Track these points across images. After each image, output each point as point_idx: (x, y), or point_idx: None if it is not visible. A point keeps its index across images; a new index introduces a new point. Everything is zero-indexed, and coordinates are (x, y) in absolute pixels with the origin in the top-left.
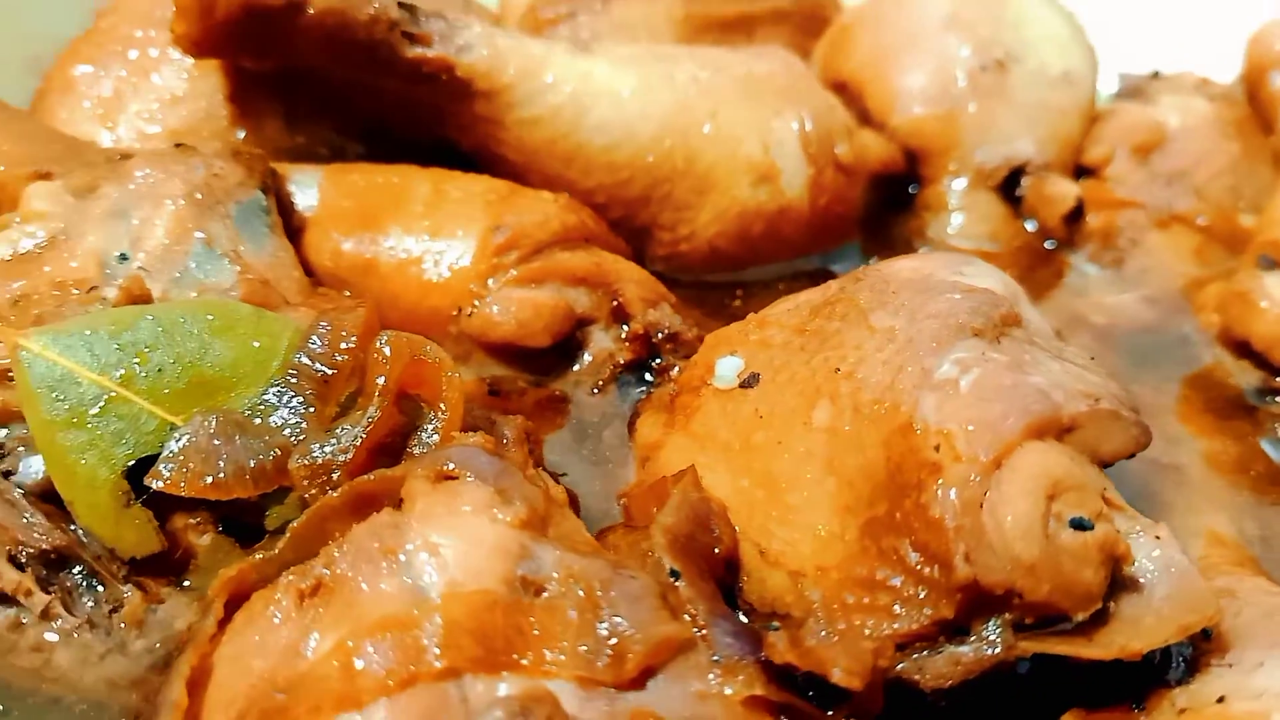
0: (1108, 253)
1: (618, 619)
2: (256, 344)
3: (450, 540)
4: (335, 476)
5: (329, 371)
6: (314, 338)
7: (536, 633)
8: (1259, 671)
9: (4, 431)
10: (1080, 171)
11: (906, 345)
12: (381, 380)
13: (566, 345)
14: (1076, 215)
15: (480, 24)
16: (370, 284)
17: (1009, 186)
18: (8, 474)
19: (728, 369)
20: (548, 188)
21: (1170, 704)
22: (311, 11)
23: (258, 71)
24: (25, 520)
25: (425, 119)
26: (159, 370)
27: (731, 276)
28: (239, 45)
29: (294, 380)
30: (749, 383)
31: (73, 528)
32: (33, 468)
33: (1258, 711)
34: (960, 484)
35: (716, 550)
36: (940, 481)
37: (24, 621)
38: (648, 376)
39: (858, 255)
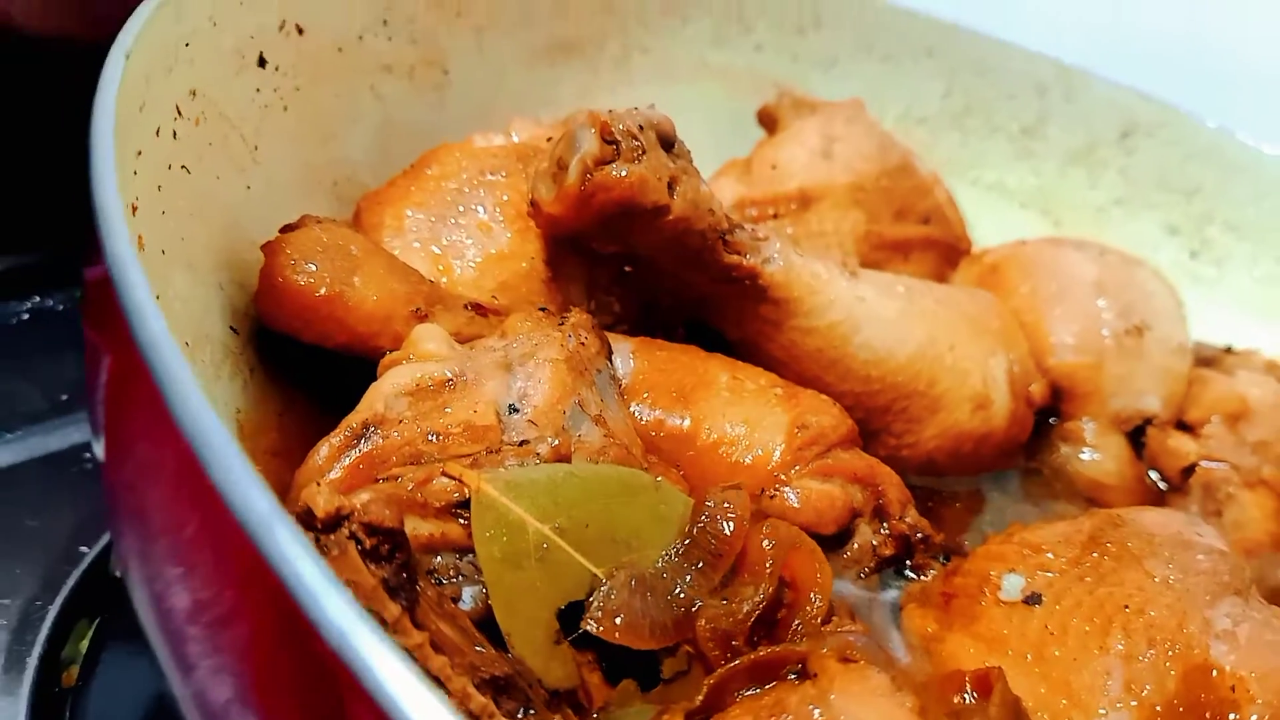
0: (1209, 503)
1: None
2: (658, 511)
3: (870, 716)
4: (735, 644)
5: (724, 547)
6: (707, 514)
7: None
8: None
9: (439, 559)
10: (1179, 426)
11: (1185, 595)
12: (770, 564)
13: (836, 535)
14: (1190, 469)
15: (778, 241)
16: (683, 456)
17: (1133, 433)
18: (455, 600)
19: (1012, 585)
20: (801, 383)
21: None
22: (670, 216)
23: (591, 249)
24: (478, 648)
25: (708, 309)
26: (585, 525)
27: (928, 482)
28: (594, 230)
29: (692, 549)
30: (1033, 600)
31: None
32: (469, 596)
33: None
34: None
35: None
36: (1239, 717)
37: None
38: (907, 572)
39: (1016, 476)
